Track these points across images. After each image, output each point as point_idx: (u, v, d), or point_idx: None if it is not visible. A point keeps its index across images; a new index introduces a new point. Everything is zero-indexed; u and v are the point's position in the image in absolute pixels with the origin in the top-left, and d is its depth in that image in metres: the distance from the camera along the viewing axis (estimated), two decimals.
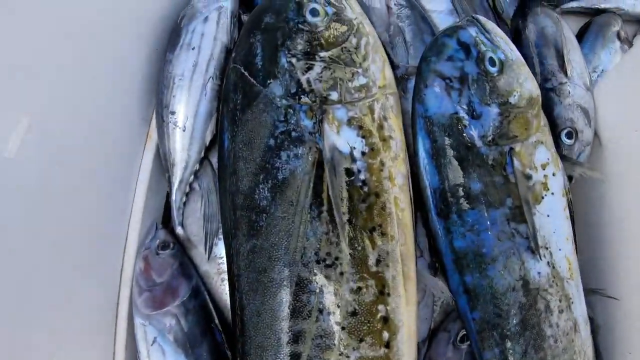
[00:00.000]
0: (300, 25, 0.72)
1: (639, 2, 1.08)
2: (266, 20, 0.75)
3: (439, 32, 0.80)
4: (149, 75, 0.88)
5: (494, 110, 0.73)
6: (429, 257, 0.79)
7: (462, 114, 0.72)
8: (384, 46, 0.86)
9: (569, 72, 0.88)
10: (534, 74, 0.89)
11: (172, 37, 0.86)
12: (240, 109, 0.73)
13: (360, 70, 0.71)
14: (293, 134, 0.68)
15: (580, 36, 1.07)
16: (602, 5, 1.10)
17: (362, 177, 0.67)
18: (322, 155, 0.66)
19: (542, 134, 0.75)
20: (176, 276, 0.82)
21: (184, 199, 0.84)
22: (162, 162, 0.85)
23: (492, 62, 0.74)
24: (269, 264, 0.67)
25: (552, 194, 0.73)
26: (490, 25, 0.78)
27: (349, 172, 0.67)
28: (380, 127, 0.70)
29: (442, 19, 0.96)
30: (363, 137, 0.68)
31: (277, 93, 0.70)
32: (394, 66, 0.85)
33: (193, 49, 0.83)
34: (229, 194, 0.72)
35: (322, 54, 0.71)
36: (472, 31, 0.76)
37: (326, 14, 0.73)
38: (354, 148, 0.68)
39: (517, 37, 0.97)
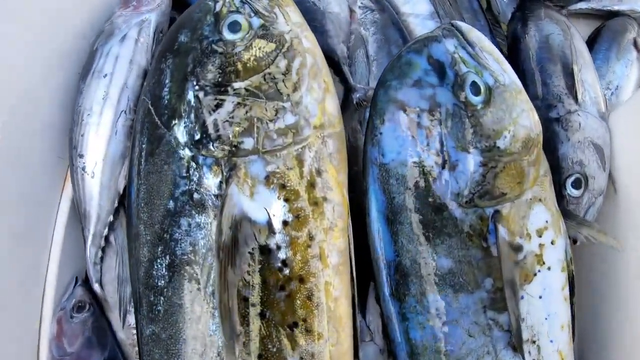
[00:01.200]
0: (214, 46, 0.56)
1: None
2: (180, 40, 0.59)
3: (404, 46, 0.61)
4: (67, 106, 0.76)
5: (474, 158, 0.54)
6: (381, 342, 0.62)
7: (430, 162, 0.54)
8: (337, 64, 0.69)
9: (579, 97, 0.67)
10: (534, 97, 0.70)
11: (86, 61, 0.72)
12: (144, 156, 0.57)
13: (287, 105, 0.54)
14: (195, 195, 0.52)
15: (590, 44, 0.86)
16: (616, 7, 0.89)
17: (281, 255, 0.51)
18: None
19: (541, 188, 0.56)
20: (88, 346, 0.70)
21: (99, 254, 0.71)
22: (77, 211, 0.73)
23: (476, 89, 0.55)
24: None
25: (549, 268, 0.55)
26: (475, 35, 0.58)
27: (263, 249, 0.51)
28: (312, 186, 0.52)
29: (420, 25, 0.77)
30: (286, 200, 0.51)
31: (181, 139, 0.54)
32: (348, 88, 0.68)
33: (105, 76, 0.68)
34: (134, 260, 0.58)
35: (237, 84, 0.54)
36: (450, 44, 0.57)
37: (250, 27, 0.56)
38: (273, 216, 0.51)
39: (515, 47, 0.77)
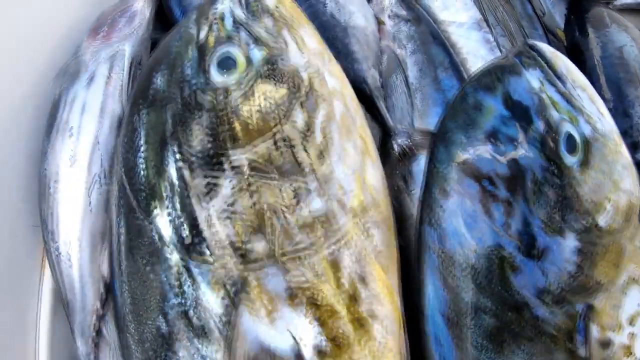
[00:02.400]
0: (198, 95, 0.40)
1: None
2: (155, 84, 0.43)
3: (468, 79, 0.45)
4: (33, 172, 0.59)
5: (568, 242, 0.39)
6: None
7: (510, 248, 0.39)
8: (369, 98, 0.53)
9: None
10: None
11: (50, 111, 0.56)
12: (123, 250, 0.42)
13: (311, 183, 0.38)
14: (193, 318, 0.37)
15: None
16: None
17: None
18: None
19: (635, 265, 0.41)
20: None
21: (91, 355, 0.59)
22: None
23: (571, 145, 0.40)
24: None
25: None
26: (563, 63, 0.43)
27: None
28: (353, 300, 0.37)
29: (465, 37, 0.59)
30: (319, 322, 0.36)
31: (165, 235, 0.39)
32: (386, 131, 0.52)
33: (71, 132, 0.53)
34: None
35: (236, 156, 0.38)
36: (534, 78, 0.42)
37: (248, 63, 0.41)
38: (304, 346, 0.36)
39: (578, 64, 0.57)
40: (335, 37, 0.54)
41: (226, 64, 0.41)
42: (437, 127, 0.43)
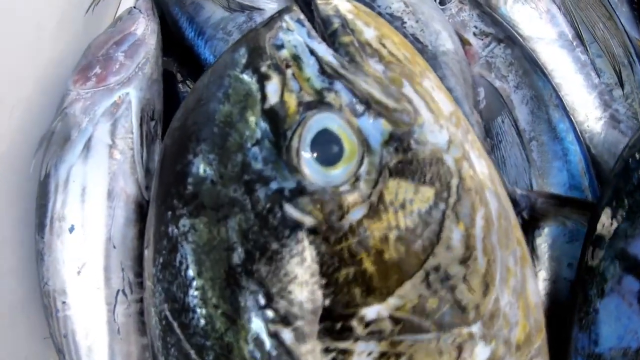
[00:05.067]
0: (288, 208, 0.26)
1: None
2: (197, 174, 0.28)
3: (628, 143, 0.33)
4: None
5: None
6: None
7: None
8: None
9: None
10: None
11: (38, 196, 0.40)
12: None
13: (476, 331, 0.26)
14: None
15: None
16: None
17: None
18: None
19: None
20: None
21: None
22: None
23: None
24: None
25: None
26: None
27: None
28: None
29: (557, 59, 0.47)
30: None
31: None
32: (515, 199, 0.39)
33: (72, 230, 0.38)
34: None
35: (373, 312, 0.25)
36: None
37: (365, 149, 0.26)
38: None
39: None
40: None
41: (327, 148, 0.26)
42: (595, 214, 0.32)
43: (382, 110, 0.27)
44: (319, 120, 0.27)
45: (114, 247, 0.37)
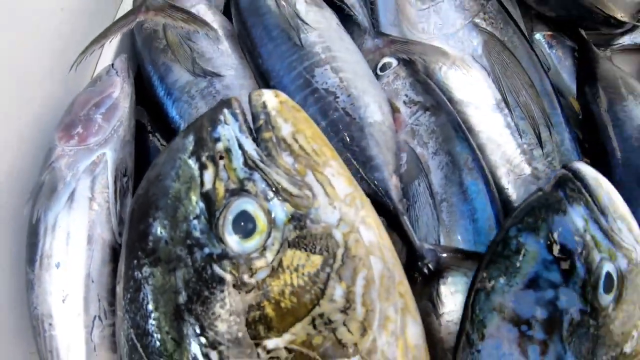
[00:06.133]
0: (216, 269, 0.35)
1: None
2: (155, 234, 0.37)
3: (508, 220, 0.41)
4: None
5: None
6: None
7: None
8: (393, 215, 0.47)
9: None
10: None
11: (28, 236, 0.49)
12: None
13: None
14: None
15: None
16: None
17: None
18: None
19: None
20: None
21: None
22: None
23: (609, 284, 0.39)
24: None
25: None
26: (605, 192, 0.41)
27: None
28: None
29: (484, 122, 0.54)
30: None
31: None
32: (412, 250, 0.47)
33: (58, 266, 0.47)
34: None
35: (272, 343, 0.34)
36: (578, 217, 0.40)
37: (271, 224, 0.35)
38: None
39: (597, 145, 0.55)
40: (351, 138, 0.47)
41: (244, 225, 0.35)
42: (475, 275, 0.40)
43: (287, 196, 0.36)
44: (238, 205, 0.36)
45: (92, 281, 0.47)
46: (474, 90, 0.55)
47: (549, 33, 0.77)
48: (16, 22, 0.56)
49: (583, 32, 0.74)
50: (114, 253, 0.47)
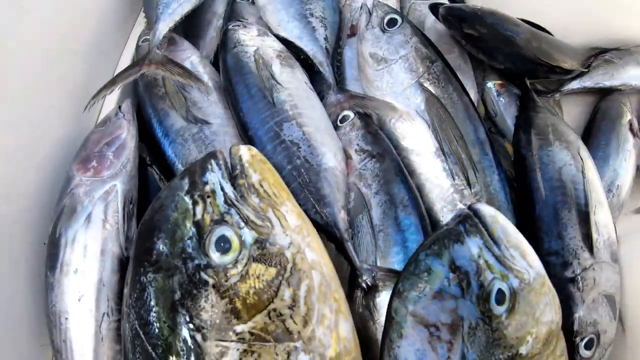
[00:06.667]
0: (202, 274, 0.48)
1: None
2: (157, 248, 0.50)
3: (419, 247, 0.54)
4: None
5: None
6: None
7: None
8: (339, 242, 0.59)
9: (594, 246, 0.63)
10: (549, 252, 0.65)
11: (50, 248, 0.62)
12: None
13: (299, 345, 0.48)
14: None
15: (587, 136, 0.84)
16: (607, 84, 0.90)
17: None
18: None
19: None
20: None
21: None
22: None
23: (501, 297, 0.51)
24: None
25: None
26: (500, 226, 0.53)
27: None
28: None
29: (425, 166, 0.67)
30: None
31: None
32: (354, 269, 0.59)
33: (75, 272, 0.60)
34: None
35: (240, 328, 0.47)
36: (474, 246, 0.52)
37: (242, 246, 0.48)
38: None
39: (524, 185, 0.69)
40: (309, 180, 0.61)
41: (223, 245, 0.49)
42: (395, 286, 0.53)
43: (254, 226, 0.50)
44: (219, 231, 0.49)
45: (104, 285, 0.60)
46: (417, 140, 0.68)
47: (499, 82, 0.91)
48: (36, 64, 0.67)
49: (528, 82, 0.88)
50: (122, 263, 0.61)
